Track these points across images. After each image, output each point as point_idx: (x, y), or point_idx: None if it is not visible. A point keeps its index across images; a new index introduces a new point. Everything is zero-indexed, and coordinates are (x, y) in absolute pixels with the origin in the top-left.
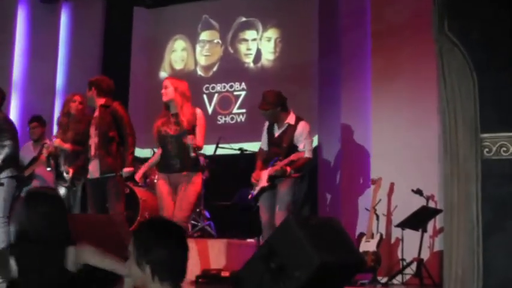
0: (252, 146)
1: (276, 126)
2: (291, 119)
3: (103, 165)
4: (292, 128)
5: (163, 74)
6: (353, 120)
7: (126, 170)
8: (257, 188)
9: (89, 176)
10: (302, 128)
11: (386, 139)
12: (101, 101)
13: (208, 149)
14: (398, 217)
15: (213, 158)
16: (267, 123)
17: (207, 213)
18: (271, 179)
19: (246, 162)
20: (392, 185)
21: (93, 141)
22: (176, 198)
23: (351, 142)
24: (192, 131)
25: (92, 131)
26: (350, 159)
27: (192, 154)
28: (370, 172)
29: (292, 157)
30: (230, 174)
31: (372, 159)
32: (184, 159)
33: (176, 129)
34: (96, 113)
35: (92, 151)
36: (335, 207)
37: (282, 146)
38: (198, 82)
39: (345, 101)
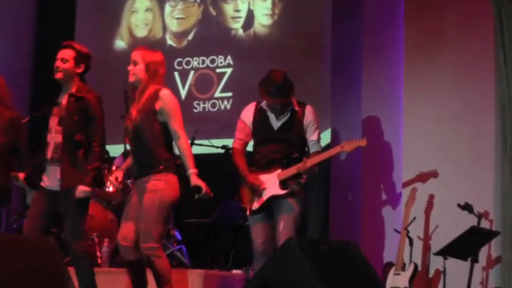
0: None
1: (272, 116)
2: (293, 103)
3: (64, 177)
4: (297, 115)
5: (119, 44)
6: (378, 110)
7: (81, 189)
8: (263, 198)
9: (43, 184)
10: (311, 113)
11: (423, 136)
12: (74, 84)
13: None
14: (439, 242)
15: None
16: (250, 110)
17: (177, 234)
18: (283, 183)
19: (232, 165)
20: (431, 198)
21: (52, 139)
22: None
23: (375, 139)
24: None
25: (53, 124)
26: (374, 162)
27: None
28: (401, 180)
29: (328, 153)
30: (209, 180)
31: (404, 163)
32: (145, 156)
33: (134, 119)
34: (63, 101)
35: (49, 152)
36: (353, 227)
37: (289, 141)
38: (168, 55)
39: (367, 83)
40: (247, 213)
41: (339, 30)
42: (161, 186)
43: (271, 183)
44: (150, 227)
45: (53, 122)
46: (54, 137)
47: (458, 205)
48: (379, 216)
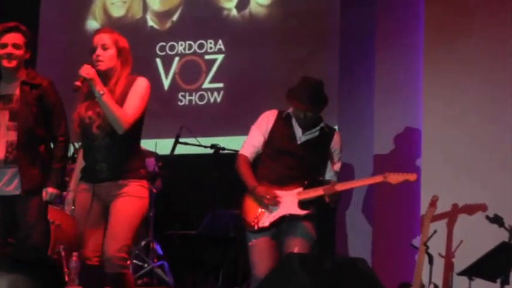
0: (233, 142)
1: (298, 128)
2: (323, 123)
3: (25, 180)
4: (326, 137)
5: (92, 25)
6: (393, 105)
7: (51, 191)
8: (276, 215)
9: None
10: (338, 140)
11: (445, 137)
12: (22, 72)
13: (163, 145)
14: (463, 260)
15: (170, 161)
16: (271, 116)
17: (158, 248)
18: (302, 204)
19: (223, 168)
20: (454, 208)
21: (2, 137)
22: (108, 223)
23: (388, 139)
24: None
25: (2, 118)
26: (387, 166)
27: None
28: (420, 188)
29: (364, 181)
30: (197, 186)
31: (423, 167)
32: (122, 155)
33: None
34: (16, 91)
35: (0, 153)
36: (362, 241)
37: (310, 161)
38: (149, 38)
39: (380, 74)
40: (254, 227)
41: (349, 11)
42: (145, 194)
43: (287, 201)
44: (127, 236)
45: (2, 118)
46: (5, 134)
47: (487, 217)
48: (394, 228)
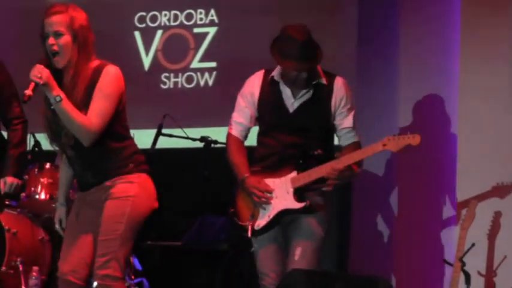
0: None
1: (287, 92)
2: (319, 74)
3: None
4: (324, 91)
5: None
6: (422, 81)
7: (11, 181)
8: (270, 213)
9: None
10: (342, 87)
11: (486, 133)
12: None
13: (142, 137)
14: (507, 278)
15: (150, 156)
16: (256, 82)
17: (136, 263)
18: (300, 192)
19: (214, 165)
20: (497, 217)
21: None
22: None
23: (416, 123)
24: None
25: None
26: (414, 164)
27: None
28: (455, 193)
29: (363, 153)
30: (183, 187)
31: (459, 169)
32: (102, 157)
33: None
34: None
35: None
36: (382, 256)
37: (310, 129)
38: (125, 7)
39: (406, 45)
40: (248, 233)
41: None
42: (133, 192)
43: (282, 192)
44: (114, 248)
45: None
46: None
47: None
48: (422, 242)
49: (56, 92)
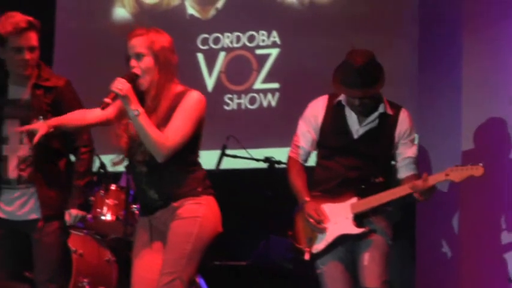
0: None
1: (353, 117)
2: (384, 104)
3: (45, 204)
4: (389, 121)
5: (120, 14)
6: (486, 104)
7: (75, 213)
8: (328, 238)
9: (1, 215)
10: (407, 120)
11: None
12: (34, 71)
13: (206, 158)
14: None
15: (215, 177)
16: (320, 106)
17: (202, 283)
18: (359, 218)
19: (278, 185)
20: None
21: (13, 151)
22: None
23: (481, 148)
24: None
25: (12, 131)
26: (479, 186)
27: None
28: None
29: (433, 179)
30: (248, 207)
31: None
32: (172, 179)
33: None
34: (26, 95)
35: (10, 171)
36: (449, 274)
37: (373, 157)
38: (188, 29)
39: (469, 66)
40: (306, 256)
41: None
42: (201, 213)
43: (341, 217)
44: (180, 267)
45: (12, 128)
46: (17, 148)
47: None
48: (486, 260)
49: (135, 106)
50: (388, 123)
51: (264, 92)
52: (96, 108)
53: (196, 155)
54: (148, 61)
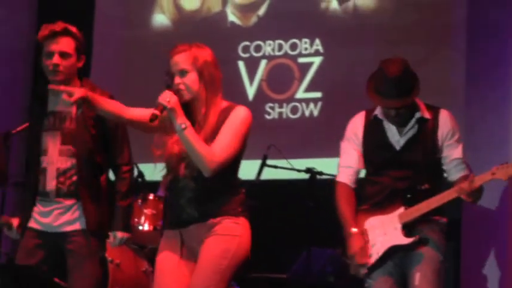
0: (333, 165)
1: (392, 129)
2: (420, 109)
3: (90, 218)
4: (428, 125)
5: (160, 20)
6: None
7: (121, 235)
8: (379, 251)
9: (36, 226)
10: (448, 120)
11: None
12: (76, 84)
13: (246, 168)
14: None
15: (255, 187)
16: (358, 123)
17: None
18: (408, 228)
19: (320, 196)
20: None
21: (52, 163)
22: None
23: None
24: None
25: (52, 143)
26: None
27: None
28: None
29: (480, 179)
30: (288, 218)
31: None
32: (214, 195)
33: None
34: (71, 108)
35: (49, 183)
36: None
37: (418, 164)
38: (229, 37)
39: None
40: (363, 271)
41: (478, 1)
42: (239, 232)
43: (390, 228)
44: (214, 281)
45: (52, 140)
46: (56, 161)
47: None
48: None
49: (181, 120)
50: (427, 127)
51: (306, 101)
52: (137, 108)
53: (238, 174)
54: (192, 77)
